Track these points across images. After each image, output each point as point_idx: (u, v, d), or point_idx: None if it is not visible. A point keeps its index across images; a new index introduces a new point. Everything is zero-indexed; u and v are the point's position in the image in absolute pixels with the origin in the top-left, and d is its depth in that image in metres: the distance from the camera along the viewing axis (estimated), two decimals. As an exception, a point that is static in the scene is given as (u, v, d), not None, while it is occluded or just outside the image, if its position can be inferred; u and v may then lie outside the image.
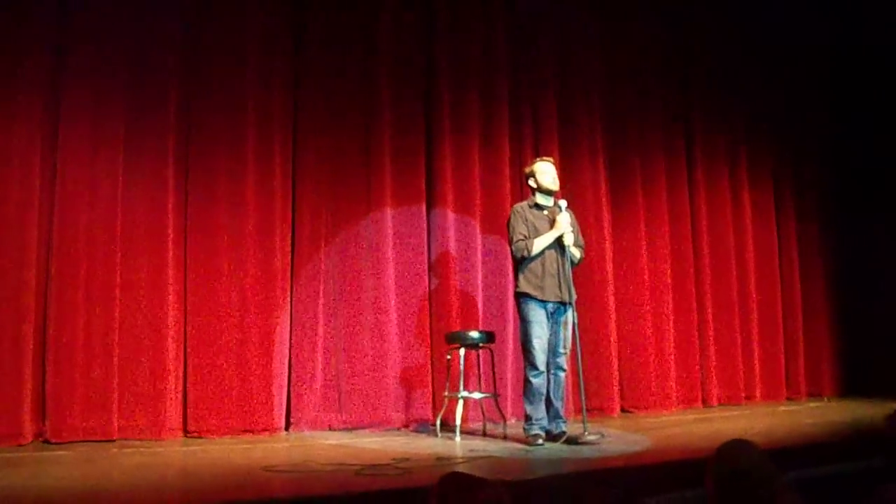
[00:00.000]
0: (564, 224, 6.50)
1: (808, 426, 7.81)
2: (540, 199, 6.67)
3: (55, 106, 6.85)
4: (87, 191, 6.87)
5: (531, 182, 6.72)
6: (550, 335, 6.51)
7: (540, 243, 6.50)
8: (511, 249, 6.70)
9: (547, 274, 6.48)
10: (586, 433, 6.38)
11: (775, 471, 2.68)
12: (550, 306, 6.48)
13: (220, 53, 7.47)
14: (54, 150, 6.81)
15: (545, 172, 6.68)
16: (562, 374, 6.61)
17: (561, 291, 6.49)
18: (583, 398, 6.63)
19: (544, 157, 6.90)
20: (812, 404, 9.82)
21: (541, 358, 6.40)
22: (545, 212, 6.65)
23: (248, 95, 7.50)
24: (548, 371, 6.48)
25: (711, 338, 9.60)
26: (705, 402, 9.44)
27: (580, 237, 6.81)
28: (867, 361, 10.25)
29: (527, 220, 6.59)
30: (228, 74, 7.47)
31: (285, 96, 7.69)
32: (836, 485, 4.96)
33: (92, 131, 6.93)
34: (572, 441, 6.36)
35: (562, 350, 6.56)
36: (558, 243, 6.52)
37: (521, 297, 6.55)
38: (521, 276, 6.57)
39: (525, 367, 6.53)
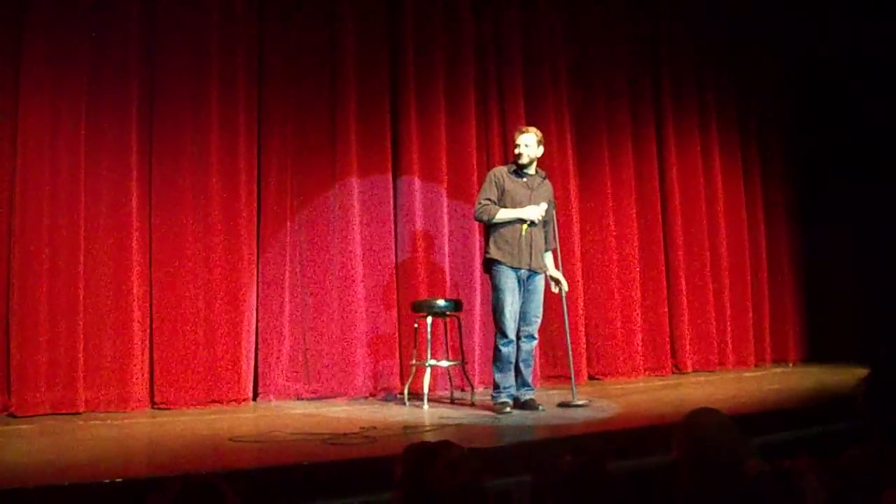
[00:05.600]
0: (532, 213, 6.50)
1: (773, 392, 7.91)
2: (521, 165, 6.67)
3: (14, 75, 6.74)
4: (48, 161, 6.77)
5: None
6: (522, 303, 6.53)
7: (503, 216, 6.51)
8: (474, 212, 6.75)
9: (518, 245, 6.48)
10: (575, 399, 6.74)
11: (742, 437, 2.70)
12: (522, 272, 6.49)
13: (182, 21, 7.35)
14: (15, 119, 6.71)
15: (517, 145, 6.67)
16: (532, 343, 6.66)
17: (531, 260, 6.50)
18: (570, 365, 7.04)
19: (522, 128, 6.84)
20: (777, 370, 9.92)
21: (511, 326, 6.42)
22: (524, 179, 6.65)
23: (212, 62, 7.41)
24: (517, 339, 6.51)
25: (684, 304, 9.62)
26: (678, 369, 9.48)
27: (550, 212, 6.81)
28: (830, 328, 10.34)
29: (500, 185, 6.59)
30: (191, 42, 7.37)
31: (249, 64, 7.60)
32: (800, 449, 5.01)
33: (52, 98, 6.83)
34: (563, 406, 6.71)
35: (533, 318, 6.59)
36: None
37: (491, 264, 6.56)
38: (491, 243, 6.57)
39: (495, 335, 6.55)
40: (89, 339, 6.81)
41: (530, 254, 6.50)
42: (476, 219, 6.79)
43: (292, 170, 7.74)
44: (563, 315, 7.01)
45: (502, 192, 6.58)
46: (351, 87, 7.94)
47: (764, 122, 10.68)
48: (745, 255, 10.31)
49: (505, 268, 6.46)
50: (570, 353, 7.08)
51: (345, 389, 7.61)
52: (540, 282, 6.64)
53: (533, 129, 6.77)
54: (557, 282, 6.88)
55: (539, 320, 6.66)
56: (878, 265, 9.92)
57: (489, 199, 6.56)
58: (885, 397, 2.86)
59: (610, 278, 9.15)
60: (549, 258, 6.87)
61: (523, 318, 6.54)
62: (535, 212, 6.51)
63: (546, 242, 6.78)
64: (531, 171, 6.69)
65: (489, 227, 6.63)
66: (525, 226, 6.49)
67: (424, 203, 8.20)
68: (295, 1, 7.85)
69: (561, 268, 6.97)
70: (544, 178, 6.82)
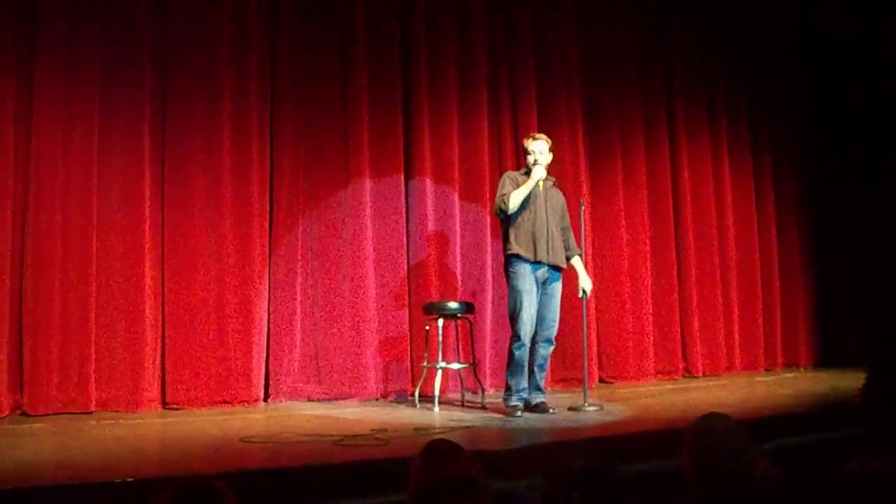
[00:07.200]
0: (537, 174, 6.50)
1: (785, 396, 7.87)
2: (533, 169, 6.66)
3: (28, 79, 6.75)
4: (62, 163, 6.79)
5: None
6: (539, 307, 6.51)
7: (517, 195, 6.48)
8: (494, 209, 6.77)
9: (537, 237, 6.46)
10: (586, 404, 6.70)
11: (751, 442, 2.69)
12: (541, 271, 6.47)
13: (195, 23, 7.37)
14: (29, 122, 6.73)
15: (529, 153, 6.64)
16: (550, 348, 6.63)
17: (549, 253, 6.48)
18: (585, 369, 7.01)
19: (535, 135, 6.81)
20: (789, 374, 9.88)
21: (527, 330, 6.40)
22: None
23: (224, 63, 7.41)
24: (533, 342, 6.49)
25: (695, 308, 9.59)
26: (688, 373, 9.45)
27: (566, 219, 6.82)
28: (842, 332, 10.29)
29: (514, 185, 6.57)
30: (203, 44, 7.38)
31: (262, 65, 7.60)
32: (811, 455, 5.00)
33: (66, 99, 6.84)
34: (574, 409, 6.67)
35: (551, 322, 6.56)
36: (546, 208, 6.53)
37: (512, 260, 6.53)
38: (511, 239, 6.54)
39: (510, 338, 6.53)
40: (101, 340, 6.83)
41: (547, 247, 6.48)
42: (497, 212, 6.67)
43: (304, 171, 7.73)
44: (576, 319, 6.99)
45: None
46: (363, 88, 7.93)
47: (775, 125, 10.62)
48: (757, 259, 10.26)
49: (524, 265, 6.44)
50: (586, 357, 7.08)
51: (356, 391, 7.61)
52: (558, 286, 6.62)
53: (543, 136, 6.77)
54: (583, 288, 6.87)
55: (556, 325, 6.63)
56: (892, 269, 9.87)
57: (505, 193, 6.57)
58: (885, 402, 2.82)
59: (621, 282, 9.12)
60: (577, 263, 6.86)
61: (541, 322, 6.51)
62: (540, 170, 6.53)
63: (568, 249, 6.77)
64: (543, 174, 6.67)
65: (506, 223, 6.61)
66: (540, 182, 6.52)
67: (436, 205, 8.19)
68: (308, 3, 7.86)
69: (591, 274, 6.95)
70: (553, 184, 6.82)
